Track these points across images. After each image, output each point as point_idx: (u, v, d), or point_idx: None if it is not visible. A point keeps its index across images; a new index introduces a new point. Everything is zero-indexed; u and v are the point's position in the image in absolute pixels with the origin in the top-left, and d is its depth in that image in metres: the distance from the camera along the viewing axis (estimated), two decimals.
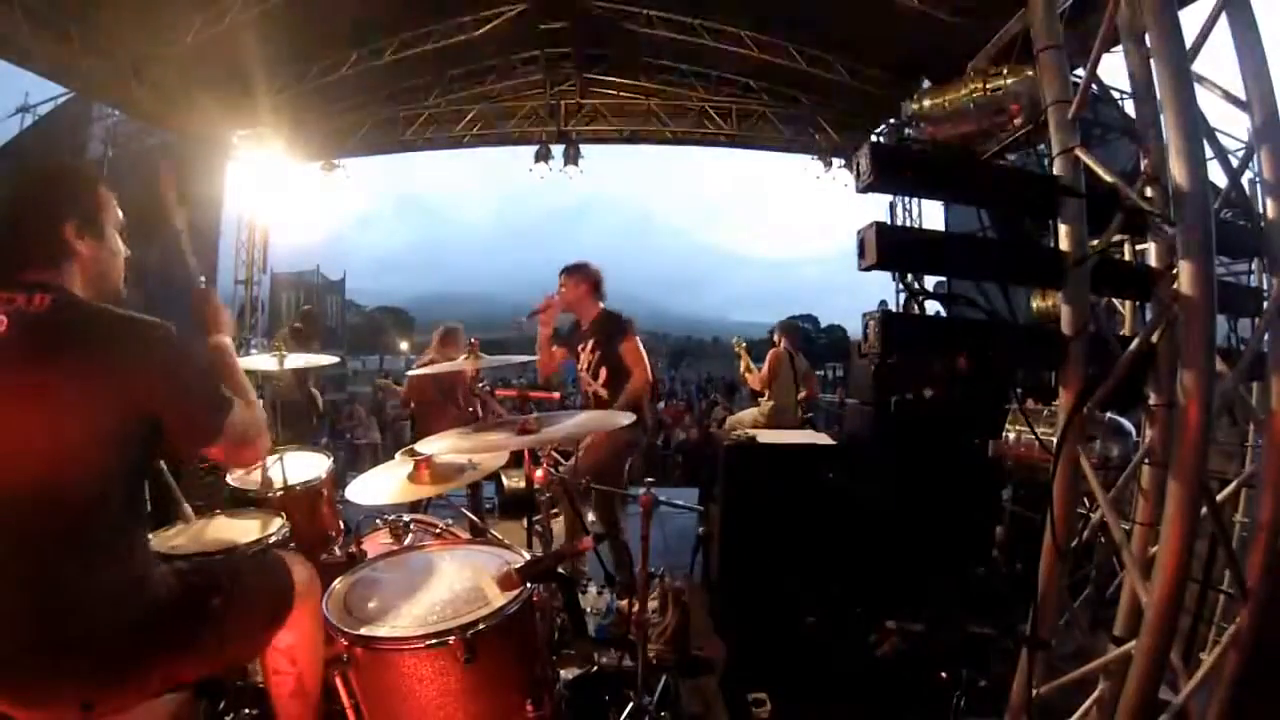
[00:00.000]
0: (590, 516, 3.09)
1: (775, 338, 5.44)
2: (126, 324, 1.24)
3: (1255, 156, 1.70)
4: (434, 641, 1.34)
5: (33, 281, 1.23)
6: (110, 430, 1.18)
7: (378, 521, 2.29)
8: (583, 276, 3.40)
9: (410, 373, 5.48)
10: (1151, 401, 1.64)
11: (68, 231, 1.28)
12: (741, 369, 5.68)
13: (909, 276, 1.59)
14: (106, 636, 1.17)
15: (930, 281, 1.62)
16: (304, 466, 2.45)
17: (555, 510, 2.90)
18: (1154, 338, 1.60)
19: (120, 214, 1.41)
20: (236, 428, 1.31)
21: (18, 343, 1.16)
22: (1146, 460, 1.66)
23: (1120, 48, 1.70)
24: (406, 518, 2.20)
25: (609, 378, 3.27)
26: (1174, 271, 1.53)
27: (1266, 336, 1.68)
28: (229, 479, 2.45)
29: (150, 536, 1.61)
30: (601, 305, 3.42)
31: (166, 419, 1.24)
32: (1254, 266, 2.96)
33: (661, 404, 11.96)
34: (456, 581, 1.57)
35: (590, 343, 3.36)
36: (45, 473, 1.14)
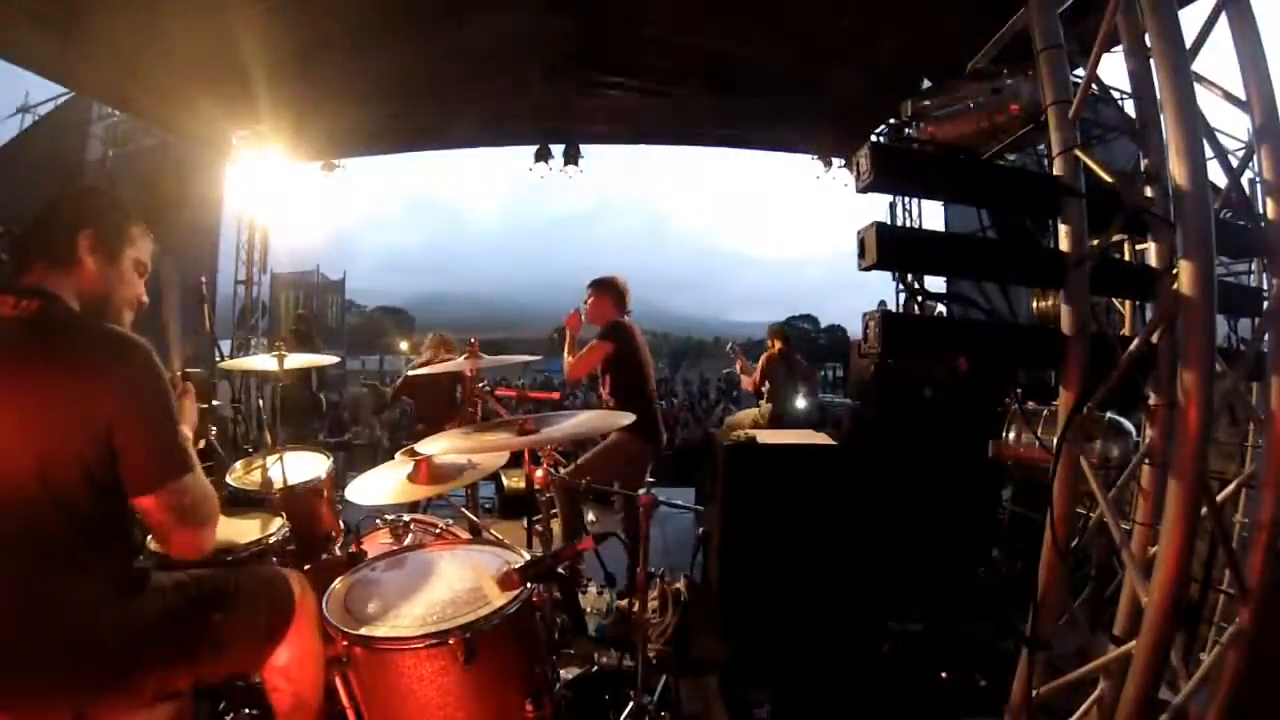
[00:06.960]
0: (590, 516, 3.10)
1: (769, 341, 5.48)
2: (105, 336, 1.21)
3: (1255, 156, 1.70)
4: (434, 641, 1.34)
5: (29, 287, 1.22)
6: (85, 439, 1.14)
7: (378, 521, 2.29)
8: (603, 290, 3.38)
9: (410, 372, 5.47)
10: (1151, 401, 1.64)
11: (81, 240, 1.28)
12: (738, 369, 5.73)
13: (909, 276, 1.59)
14: (95, 647, 1.15)
15: (931, 282, 1.62)
16: (304, 466, 2.44)
17: (555, 510, 2.90)
18: (1154, 338, 1.60)
19: (148, 261, 1.40)
20: (188, 494, 1.21)
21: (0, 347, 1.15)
22: (1146, 460, 1.66)
23: (1120, 48, 1.70)
24: (406, 518, 2.20)
25: (612, 385, 3.28)
26: (1174, 271, 1.54)
27: (1266, 336, 1.68)
28: (228, 479, 2.45)
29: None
30: (617, 318, 3.36)
31: (119, 442, 1.16)
32: (1254, 266, 2.97)
33: (662, 404, 11.97)
34: (456, 581, 1.56)
35: None
36: (25, 478, 1.11)
